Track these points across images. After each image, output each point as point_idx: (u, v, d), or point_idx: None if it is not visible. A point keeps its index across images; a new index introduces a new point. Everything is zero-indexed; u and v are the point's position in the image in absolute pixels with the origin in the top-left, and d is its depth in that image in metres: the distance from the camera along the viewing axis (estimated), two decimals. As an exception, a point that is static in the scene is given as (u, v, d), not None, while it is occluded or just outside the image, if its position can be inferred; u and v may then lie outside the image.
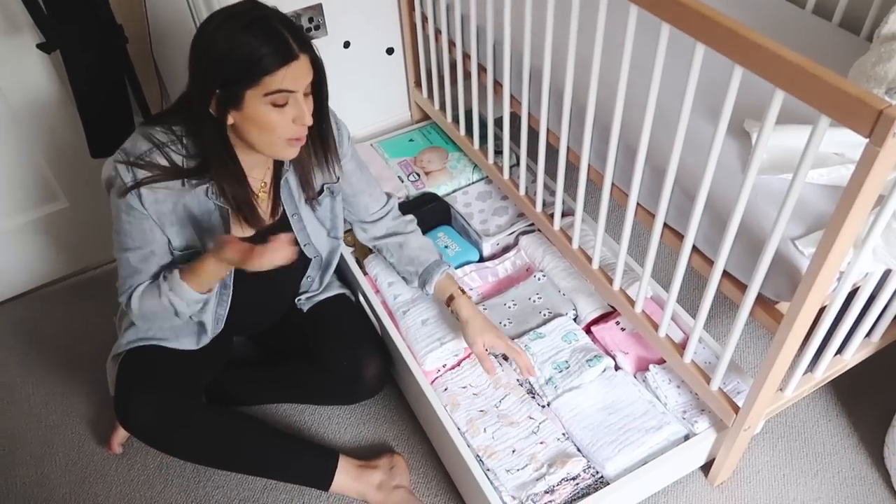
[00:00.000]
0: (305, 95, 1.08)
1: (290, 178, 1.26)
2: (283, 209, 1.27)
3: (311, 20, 1.64)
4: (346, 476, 1.34)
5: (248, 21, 1.01)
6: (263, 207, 1.25)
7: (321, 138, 1.21)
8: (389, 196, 1.47)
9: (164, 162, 1.11)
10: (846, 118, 0.76)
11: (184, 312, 1.19)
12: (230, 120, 1.07)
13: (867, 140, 0.75)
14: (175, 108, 1.15)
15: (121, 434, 1.47)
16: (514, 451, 1.29)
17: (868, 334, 1.28)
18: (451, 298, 1.36)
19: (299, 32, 1.05)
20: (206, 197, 1.16)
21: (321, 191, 1.31)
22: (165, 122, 1.14)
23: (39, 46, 1.39)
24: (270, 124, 1.06)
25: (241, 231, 1.24)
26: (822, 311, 1.02)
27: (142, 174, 1.10)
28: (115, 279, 1.24)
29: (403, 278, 1.48)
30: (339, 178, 1.32)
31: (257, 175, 1.22)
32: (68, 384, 1.63)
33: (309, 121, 1.09)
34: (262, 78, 1.02)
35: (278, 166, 1.25)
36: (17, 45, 1.48)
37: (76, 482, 1.45)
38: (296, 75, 1.04)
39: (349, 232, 1.71)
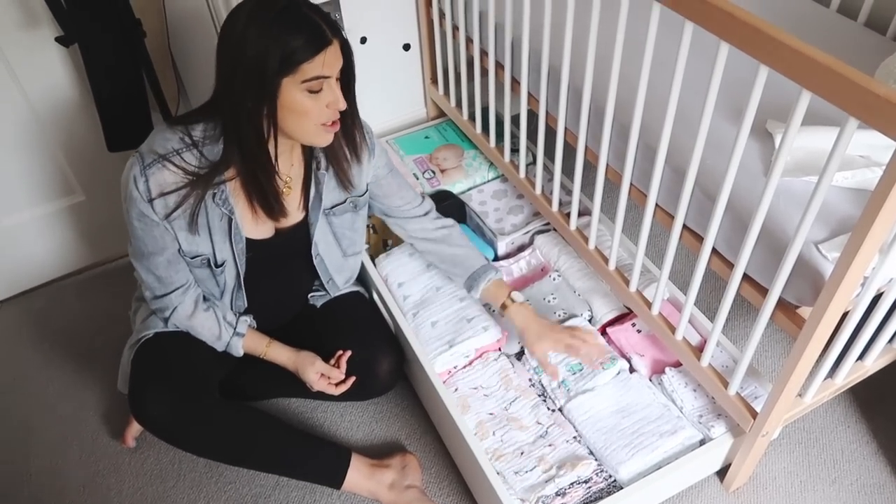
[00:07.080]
0: (336, 80, 1.09)
1: (327, 177, 1.26)
2: (308, 213, 1.28)
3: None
4: (358, 474, 1.34)
5: (278, 11, 1.01)
6: (289, 204, 1.25)
7: (350, 126, 1.22)
8: (424, 197, 1.46)
9: (177, 172, 1.12)
10: (875, 120, 0.74)
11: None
12: (265, 111, 1.07)
13: (897, 143, 0.73)
14: (206, 108, 1.15)
15: (134, 428, 1.48)
16: (522, 454, 1.28)
17: (890, 340, 1.25)
18: (503, 307, 1.38)
19: (328, 17, 1.05)
20: (213, 203, 1.17)
21: (345, 200, 1.31)
22: (188, 123, 1.14)
23: (58, 40, 1.40)
24: (306, 110, 1.07)
25: (254, 229, 1.24)
26: (844, 316, 1.00)
27: (154, 183, 1.11)
28: (130, 272, 1.23)
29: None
30: (368, 185, 1.33)
31: (281, 167, 1.21)
32: (83, 377, 1.64)
33: (343, 105, 1.10)
34: (300, 66, 1.03)
35: (309, 162, 1.25)
36: (35, 38, 1.48)
37: (90, 475, 1.46)
38: (331, 60, 1.05)
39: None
